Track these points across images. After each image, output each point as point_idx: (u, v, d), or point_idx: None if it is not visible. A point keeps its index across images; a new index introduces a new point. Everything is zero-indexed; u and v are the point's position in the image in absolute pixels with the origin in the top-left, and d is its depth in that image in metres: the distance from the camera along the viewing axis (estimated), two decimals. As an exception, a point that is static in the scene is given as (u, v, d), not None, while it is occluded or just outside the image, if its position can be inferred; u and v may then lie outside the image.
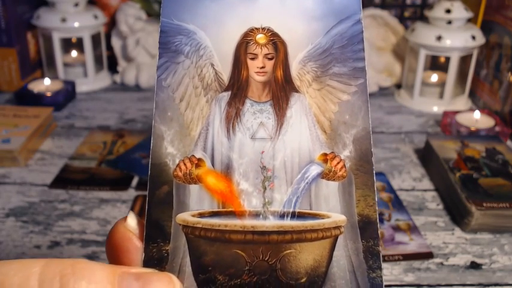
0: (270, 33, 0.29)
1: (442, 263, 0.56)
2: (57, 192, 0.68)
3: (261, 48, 0.29)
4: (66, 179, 0.71)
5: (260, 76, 0.29)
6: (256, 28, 0.29)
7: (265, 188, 0.28)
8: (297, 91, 0.29)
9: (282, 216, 0.27)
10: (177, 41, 0.29)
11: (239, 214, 0.27)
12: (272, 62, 0.29)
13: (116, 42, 1.10)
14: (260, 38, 0.29)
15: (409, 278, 0.54)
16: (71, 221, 0.62)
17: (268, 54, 0.29)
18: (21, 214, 0.63)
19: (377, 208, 0.28)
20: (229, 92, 0.29)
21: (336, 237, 0.27)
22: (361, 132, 0.28)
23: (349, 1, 0.29)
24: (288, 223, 0.27)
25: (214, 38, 0.29)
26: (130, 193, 0.69)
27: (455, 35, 0.93)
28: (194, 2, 0.29)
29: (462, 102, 0.99)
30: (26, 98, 0.92)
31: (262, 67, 0.29)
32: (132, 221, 0.27)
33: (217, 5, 0.29)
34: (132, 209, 0.65)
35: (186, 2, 0.29)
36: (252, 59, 0.29)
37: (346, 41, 0.29)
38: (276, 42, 0.29)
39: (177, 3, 0.29)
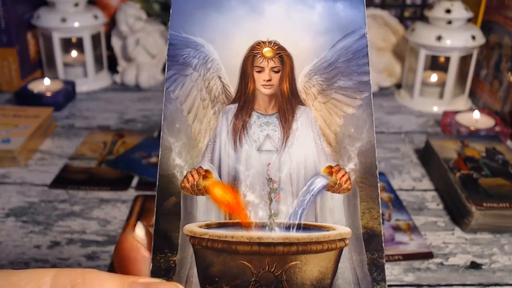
0: (276, 47, 0.29)
1: (442, 263, 0.57)
2: (57, 192, 0.68)
3: (268, 62, 0.29)
4: (66, 179, 0.71)
5: (266, 89, 0.29)
6: (262, 42, 0.29)
7: (271, 200, 0.28)
8: (302, 104, 0.29)
9: (287, 228, 0.28)
10: (185, 54, 0.29)
11: (245, 225, 0.27)
12: (278, 75, 0.29)
13: (116, 42, 1.10)
14: (267, 51, 0.29)
15: (409, 278, 0.54)
16: (71, 221, 0.62)
17: (274, 67, 0.29)
18: (21, 214, 0.63)
19: (381, 221, 0.28)
20: (236, 105, 0.29)
21: (341, 249, 0.28)
22: (365, 146, 0.29)
23: (354, 16, 0.29)
24: (294, 235, 0.27)
25: (222, 51, 0.29)
26: (130, 193, 0.69)
27: (455, 35, 0.93)
28: (202, 15, 0.29)
29: (462, 102, 0.99)
30: (26, 98, 0.93)
31: (269, 80, 0.29)
32: (140, 232, 0.27)
33: (224, 18, 0.29)
34: (132, 209, 0.65)
35: (194, 16, 0.29)
36: (259, 72, 0.29)
37: (351, 55, 0.29)
38: (282, 55, 0.29)
39: (185, 17, 0.29)
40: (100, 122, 0.90)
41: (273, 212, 0.28)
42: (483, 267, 0.56)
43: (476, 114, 0.87)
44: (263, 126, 0.29)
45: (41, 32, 1.03)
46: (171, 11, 0.29)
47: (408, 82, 1.03)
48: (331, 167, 0.28)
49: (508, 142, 0.83)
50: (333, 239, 0.27)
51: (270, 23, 0.29)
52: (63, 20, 0.99)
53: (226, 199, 0.28)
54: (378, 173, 0.28)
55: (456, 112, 0.88)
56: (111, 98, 1.02)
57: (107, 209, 0.65)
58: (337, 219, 0.28)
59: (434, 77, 1.00)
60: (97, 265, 0.55)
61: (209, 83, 0.29)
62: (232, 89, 0.29)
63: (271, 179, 0.28)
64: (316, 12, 0.29)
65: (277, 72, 0.29)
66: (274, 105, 0.29)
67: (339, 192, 0.28)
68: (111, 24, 1.11)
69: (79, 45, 1.04)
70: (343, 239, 0.28)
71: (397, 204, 0.67)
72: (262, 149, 0.28)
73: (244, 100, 0.29)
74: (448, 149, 0.73)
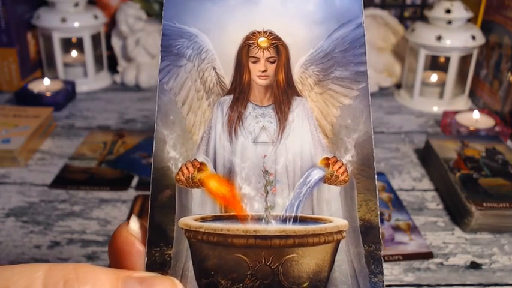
0: (272, 37, 0.29)
1: (442, 263, 0.56)
2: (57, 192, 0.68)
3: (263, 52, 0.29)
4: (66, 179, 0.71)
5: (262, 80, 0.29)
6: (258, 31, 0.29)
7: (267, 192, 0.28)
8: (298, 95, 0.29)
9: (284, 220, 0.27)
10: (179, 44, 0.29)
11: (241, 218, 0.27)
12: (274, 65, 0.29)
13: (116, 42, 1.10)
14: (262, 41, 0.29)
15: (409, 278, 0.54)
16: (71, 221, 0.62)
17: (270, 57, 0.29)
18: (21, 214, 0.63)
19: (378, 213, 0.27)
20: (232, 96, 0.29)
21: (337, 242, 0.27)
22: (362, 137, 0.28)
23: (351, 5, 0.29)
24: (290, 227, 0.27)
25: (216, 41, 0.29)
26: (130, 193, 0.69)
27: (455, 35, 0.93)
28: (196, 5, 0.29)
29: (462, 102, 0.99)
30: (26, 98, 0.92)
31: (264, 71, 0.29)
32: (134, 225, 0.27)
33: (219, 8, 0.29)
34: (132, 209, 0.65)
35: (188, 5, 0.29)
36: (254, 62, 0.29)
37: (347, 44, 0.29)
38: (278, 45, 0.29)
39: (179, 7, 0.29)
40: (100, 122, 0.90)
41: (269, 204, 0.27)
42: (483, 267, 0.56)
43: (476, 114, 0.87)
44: (259, 118, 0.28)
45: (41, 32, 1.03)
46: (164, 1, 0.29)
47: (408, 82, 1.02)
48: (327, 158, 0.28)
49: (508, 142, 0.82)
50: (329, 232, 0.27)
51: (265, 12, 0.29)
52: (63, 20, 0.99)
53: (221, 192, 0.27)
54: (375, 165, 0.28)
55: (456, 112, 0.88)
56: (111, 98, 1.02)
57: (106, 209, 0.65)
58: (333, 211, 0.28)
59: (434, 77, 1.00)
60: (97, 265, 0.55)
61: (204, 74, 0.29)
62: (227, 80, 0.29)
63: (267, 171, 0.28)
64: (311, 1, 0.29)
65: (272, 62, 0.29)
66: (270, 96, 0.29)
67: (335, 184, 0.28)
68: (111, 24, 1.11)
69: (79, 45, 1.04)
70: (340, 232, 0.27)
71: (397, 204, 0.67)
72: (258, 140, 0.28)
73: (239, 91, 0.29)
74: (448, 149, 0.73)
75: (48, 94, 0.93)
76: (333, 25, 0.29)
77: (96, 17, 1.02)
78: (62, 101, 0.95)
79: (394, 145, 0.84)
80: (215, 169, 0.28)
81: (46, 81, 0.97)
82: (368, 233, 0.27)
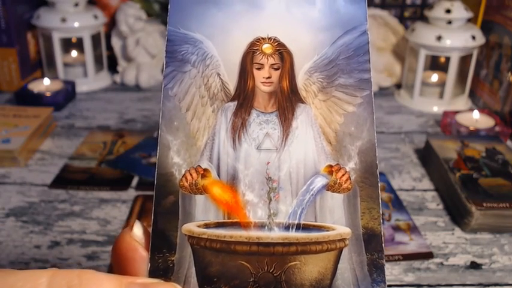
0: (276, 43, 0.29)
1: (442, 263, 0.56)
2: (57, 192, 0.68)
3: (267, 58, 0.29)
4: (66, 179, 0.71)
5: (266, 86, 0.29)
6: (262, 38, 0.29)
7: (270, 199, 0.27)
8: (302, 102, 0.29)
9: (287, 227, 0.27)
10: (184, 50, 0.29)
11: (244, 225, 0.27)
12: (278, 72, 0.29)
13: (116, 42, 1.10)
14: (266, 47, 0.29)
15: (409, 278, 0.54)
16: (71, 221, 0.62)
17: (274, 64, 0.29)
18: (21, 214, 0.63)
19: (381, 221, 0.27)
20: (236, 102, 0.29)
21: (340, 250, 0.27)
22: (366, 144, 0.28)
23: (355, 12, 0.29)
24: (293, 235, 0.27)
25: (221, 47, 0.29)
26: (130, 193, 0.69)
27: (455, 35, 0.93)
28: (201, 11, 0.29)
29: (462, 102, 0.99)
30: (26, 98, 0.92)
31: (268, 77, 0.29)
32: (138, 231, 0.27)
33: (224, 14, 0.29)
34: (132, 209, 0.65)
35: (192, 11, 0.29)
36: (258, 69, 0.29)
37: (352, 52, 0.29)
38: (282, 52, 0.29)
39: (184, 12, 0.29)
40: (100, 122, 0.90)
41: (272, 211, 0.27)
42: (483, 267, 0.56)
43: (476, 114, 0.87)
44: (262, 125, 0.28)
45: (41, 32, 1.03)
46: (169, 7, 0.29)
47: (408, 82, 1.02)
48: (331, 166, 0.28)
49: (508, 142, 0.83)
50: (332, 239, 0.27)
51: (270, 19, 0.29)
52: (63, 20, 0.99)
53: (225, 198, 0.27)
54: (378, 173, 0.28)
55: (456, 112, 0.88)
56: (111, 98, 1.02)
57: (106, 209, 0.65)
58: (336, 219, 0.28)
59: (434, 77, 1.00)
60: (97, 265, 0.55)
61: (208, 80, 0.29)
62: (232, 86, 0.29)
63: (270, 178, 0.28)
64: (316, 8, 0.29)
65: (277, 69, 0.29)
66: (274, 103, 0.29)
67: (338, 192, 0.28)
68: (111, 24, 1.11)
69: (79, 45, 1.04)
70: (342, 240, 0.27)
71: (397, 204, 0.67)
72: (262, 147, 0.28)
73: (243, 98, 0.29)
74: (448, 149, 0.73)
75: (48, 94, 0.93)
76: (338, 32, 0.29)
77: (96, 17, 1.02)
78: (62, 101, 0.95)
79: (394, 145, 0.84)
80: (218, 175, 0.28)
81: (46, 81, 0.97)
82: (371, 241, 0.27)
